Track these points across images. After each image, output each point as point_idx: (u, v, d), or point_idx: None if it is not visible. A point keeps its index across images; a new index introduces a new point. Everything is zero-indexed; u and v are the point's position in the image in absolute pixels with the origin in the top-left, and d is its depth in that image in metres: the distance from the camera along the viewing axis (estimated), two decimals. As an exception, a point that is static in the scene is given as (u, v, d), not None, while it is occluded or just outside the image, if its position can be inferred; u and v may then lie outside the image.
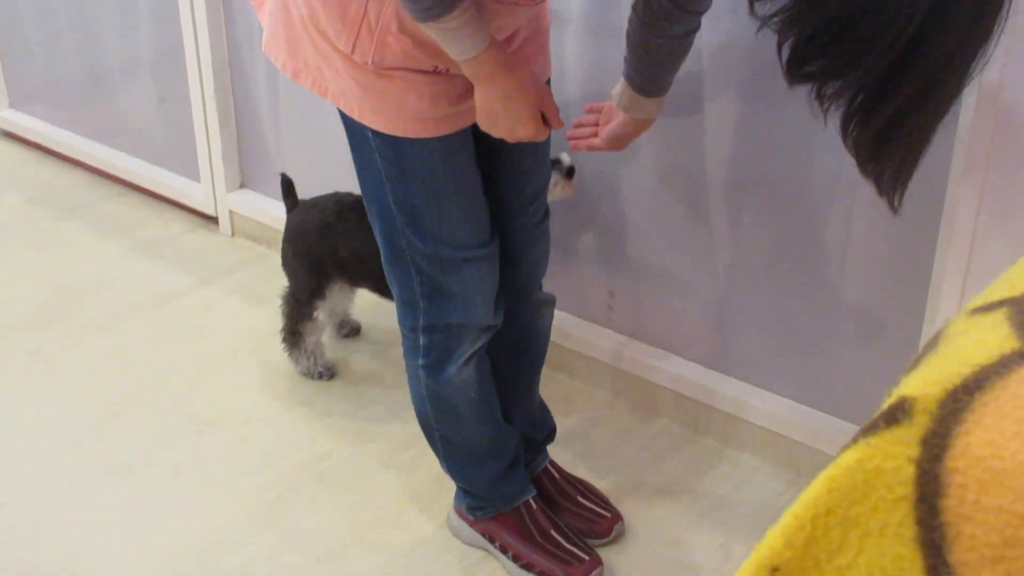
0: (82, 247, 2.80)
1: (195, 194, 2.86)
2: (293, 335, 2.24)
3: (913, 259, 1.74)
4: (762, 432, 2.01)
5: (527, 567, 1.78)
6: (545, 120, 1.47)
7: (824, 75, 1.02)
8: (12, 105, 3.31)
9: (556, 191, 1.94)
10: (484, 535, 1.83)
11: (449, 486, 1.89)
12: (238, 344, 2.41)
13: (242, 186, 2.79)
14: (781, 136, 1.83)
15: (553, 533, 1.80)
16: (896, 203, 1.15)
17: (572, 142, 1.75)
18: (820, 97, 1.05)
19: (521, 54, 1.56)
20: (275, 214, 2.69)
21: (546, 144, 1.70)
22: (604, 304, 2.19)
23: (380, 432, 2.13)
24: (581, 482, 1.92)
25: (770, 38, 1.03)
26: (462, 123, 1.52)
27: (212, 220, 2.86)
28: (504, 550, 1.80)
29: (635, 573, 1.80)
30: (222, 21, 2.61)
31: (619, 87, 1.65)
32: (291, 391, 2.25)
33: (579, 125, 1.75)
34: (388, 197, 1.56)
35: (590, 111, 1.75)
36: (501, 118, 1.44)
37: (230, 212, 2.80)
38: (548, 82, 1.65)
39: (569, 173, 1.96)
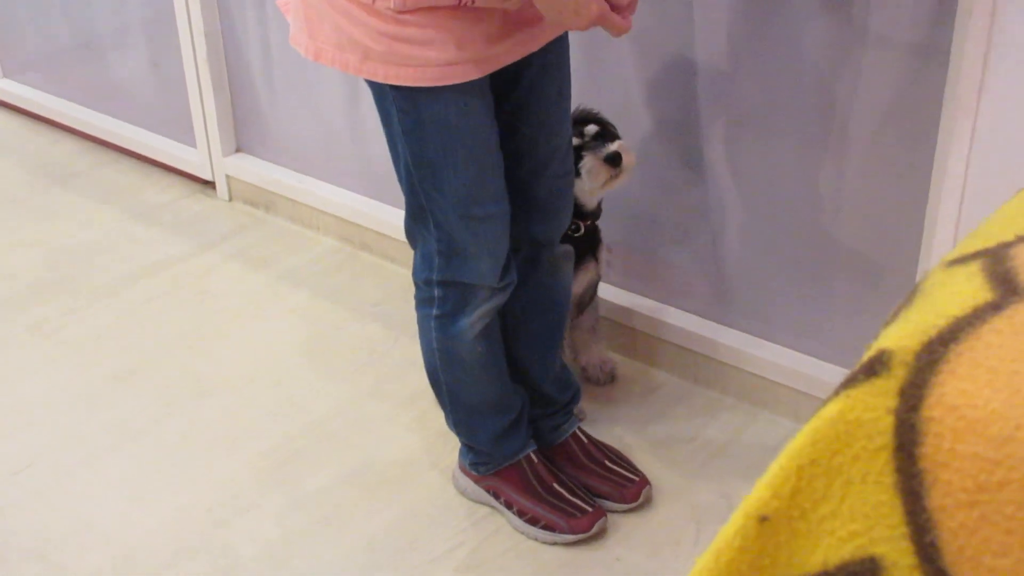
0: (80, 215, 2.80)
1: (191, 159, 2.86)
2: None
3: (907, 203, 1.75)
4: (760, 381, 2.03)
5: (532, 521, 1.80)
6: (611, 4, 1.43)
7: None
8: (6, 75, 3.31)
9: (591, 177, 1.82)
10: (489, 491, 1.85)
11: (454, 443, 1.91)
12: (239, 308, 2.43)
13: (238, 150, 2.79)
14: (771, 80, 1.83)
15: (555, 486, 1.82)
16: None
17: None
18: None
19: None
20: (272, 177, 2.69)
21: (568, 96, 1.69)
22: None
23: (383, 391, 2.15)
24: (608, 447, 1.92)
25: None
26: (487, 68, 1.51)
27: (209, 185, 2.86)
28: (509, 505, 1.83)
29: (639, 524, 1.82)
30: (211, -15, 2.60)
31: None
32: (293, 353, 2.27)
33: None
34: (407, 151, 1.57)
35: None
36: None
37: (227, 176, 2.80)
38: None
39: (611, 160, 1.81)
